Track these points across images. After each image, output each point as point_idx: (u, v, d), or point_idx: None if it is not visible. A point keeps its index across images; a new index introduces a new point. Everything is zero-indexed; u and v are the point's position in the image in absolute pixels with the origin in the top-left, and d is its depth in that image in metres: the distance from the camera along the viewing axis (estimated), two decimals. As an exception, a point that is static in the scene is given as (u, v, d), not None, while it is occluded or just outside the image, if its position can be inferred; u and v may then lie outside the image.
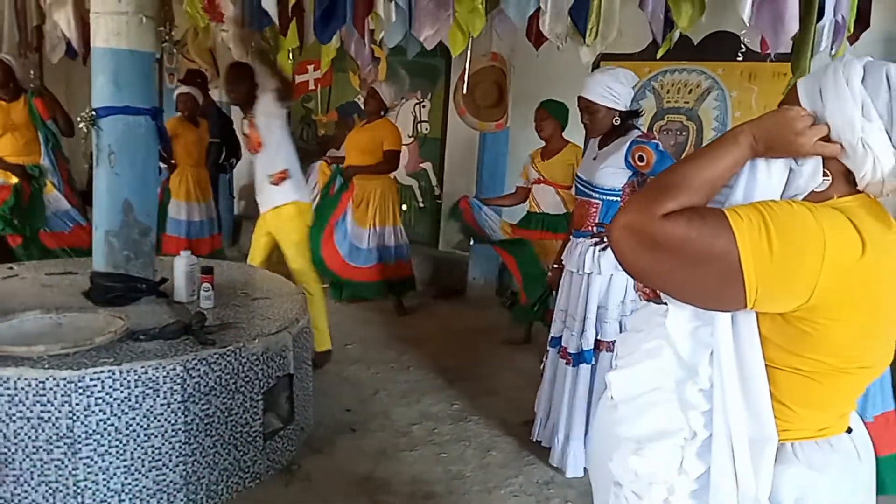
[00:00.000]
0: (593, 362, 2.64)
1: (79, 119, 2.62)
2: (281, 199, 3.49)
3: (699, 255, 0.93)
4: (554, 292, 3.03)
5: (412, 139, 5.94)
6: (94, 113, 2.60)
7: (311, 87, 6.34)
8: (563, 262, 2.79)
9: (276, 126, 3.48)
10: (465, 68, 4.66)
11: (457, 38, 3.28)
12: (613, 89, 2.49)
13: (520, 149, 4.75)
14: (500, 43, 4.57)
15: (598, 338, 2.62)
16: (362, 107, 6.31)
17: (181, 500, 2.26)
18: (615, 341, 2.59)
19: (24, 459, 2.04)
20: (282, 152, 3.51)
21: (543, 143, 3.96)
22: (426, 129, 5.91)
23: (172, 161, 4.81)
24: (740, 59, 4.28)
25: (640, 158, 2.47)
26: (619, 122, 2.55)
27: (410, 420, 3.17)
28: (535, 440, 2.89)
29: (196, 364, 2.22)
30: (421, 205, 5.98)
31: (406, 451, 2.88)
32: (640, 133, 2.57)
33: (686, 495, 1.08)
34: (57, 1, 3.84)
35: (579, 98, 2.59)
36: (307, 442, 2.84)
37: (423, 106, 5.88)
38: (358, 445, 2.90)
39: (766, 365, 1.01)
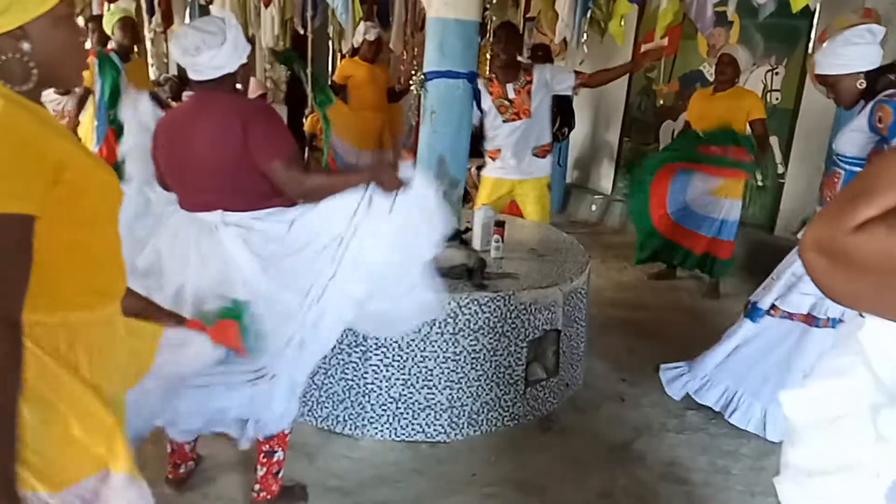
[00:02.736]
0: (757, 322, 2.61)
1: (410, 83, 3.05)
2: (542, 172, 3.78)
3: None
4: None
5: (758, 110, 5.34)
6: (423, 76, 3.00)
7: (656, 55, 6.14)
8: None
9: (549, 99, 3.66)
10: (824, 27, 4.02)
11: (800, -11, 2.89)
12: (844, 54, 2.26)
13: (889, 122, 3.94)
14: (877, -5, 3.83)
15: (775, 302, 2.52)
16: (708, 76, 5.91)
17: (446, 419, 2.55)
18: (793, 314, 2.50)
19: (331, 357, 2.52)
20: (548, 126, 3.74)
21: None
22: (777, 99, 5.27)
23: None
24: None
25: (880, 119, 2.07)
26: (863, 84, 2.23)
27: (688, 404, 2.98)
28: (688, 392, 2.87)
29: (468, 303, 2.46)
30: (760, 183, 5.37)
31: (673, 433, 2.75)
32: (894, 90, 2.14)
33: None
34: (421, -18, 4.44)
35: (815, 76, 2.37)
36: (571, 400, 2.90)
37: (776, 73, 5.24)
38: (622, 415, 2.86)
39: None
